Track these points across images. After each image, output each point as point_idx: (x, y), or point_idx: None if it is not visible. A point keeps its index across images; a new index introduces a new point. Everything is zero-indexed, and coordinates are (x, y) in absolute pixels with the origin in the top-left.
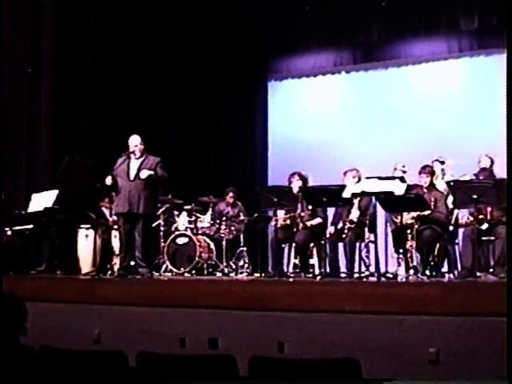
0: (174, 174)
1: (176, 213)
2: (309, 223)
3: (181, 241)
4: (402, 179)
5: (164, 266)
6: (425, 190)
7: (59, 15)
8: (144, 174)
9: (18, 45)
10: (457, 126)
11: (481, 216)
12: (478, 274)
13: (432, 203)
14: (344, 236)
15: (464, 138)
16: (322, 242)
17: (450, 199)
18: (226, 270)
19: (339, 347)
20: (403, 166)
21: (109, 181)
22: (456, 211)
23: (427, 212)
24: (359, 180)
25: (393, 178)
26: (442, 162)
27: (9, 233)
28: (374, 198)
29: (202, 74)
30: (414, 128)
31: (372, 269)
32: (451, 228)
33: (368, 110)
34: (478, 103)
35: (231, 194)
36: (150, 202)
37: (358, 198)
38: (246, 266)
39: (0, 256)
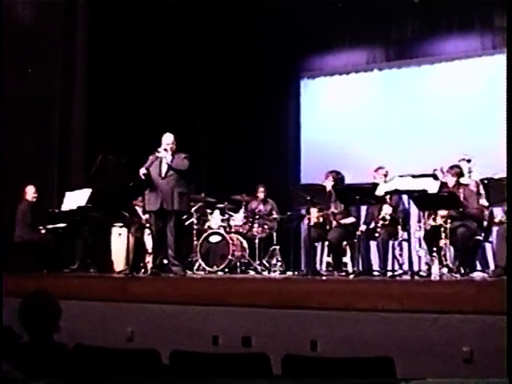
0: (206, 172)
1: (209, 211)
2: (342, 221)
3: (214, 239)
4: (435, 177)
5: (197, 265)
6: (451, 189)
7: (92, 14)
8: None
9: (51, 45)
10: (491, 123)
11: None
12: None
13: (464, 200)
14: (377, 234)
15: (499, 136)
16: (355, 240)
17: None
18: (258, 269)
19: (373, 346)
20: (441, 169)
21: (143, 171)
22: (489, 209)
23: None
24: (387, 177)
25: (426, 175)
26: (469, 161)
27: (43, 231)
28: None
29: (234, 72)
30: (447, 125)
31: (405, 267)
32: (485, 225)
33: (401, 107)
34: None
35: (262, 189)
36: (183, 198)
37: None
38: (279, 264)
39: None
